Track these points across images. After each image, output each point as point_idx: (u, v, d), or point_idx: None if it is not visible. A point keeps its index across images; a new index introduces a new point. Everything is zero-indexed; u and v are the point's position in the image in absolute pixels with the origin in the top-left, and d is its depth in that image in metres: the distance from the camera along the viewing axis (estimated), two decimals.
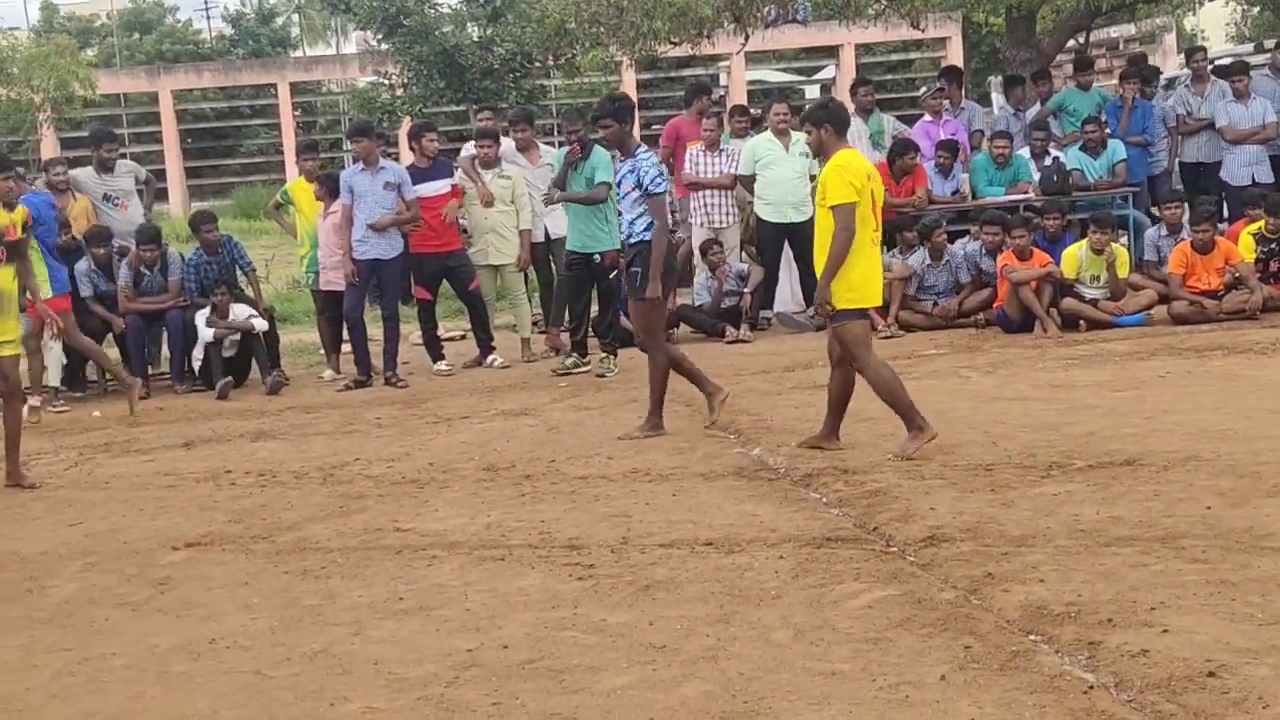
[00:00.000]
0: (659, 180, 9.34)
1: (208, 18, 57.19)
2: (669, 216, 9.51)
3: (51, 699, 5.39)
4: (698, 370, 9.56)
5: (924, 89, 20.55)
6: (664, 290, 9.60)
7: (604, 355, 11.92)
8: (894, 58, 39.96)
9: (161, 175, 33.40)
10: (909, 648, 5.19)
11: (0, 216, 9.06)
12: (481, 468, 8.73)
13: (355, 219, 11.99)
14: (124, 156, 16.47)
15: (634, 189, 9.36)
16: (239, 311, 12.45)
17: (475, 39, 23.87)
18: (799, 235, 13.51)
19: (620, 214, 9.65)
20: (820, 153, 8.35)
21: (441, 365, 12.58)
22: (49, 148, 32.67)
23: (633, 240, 9.46)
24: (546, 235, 13.26)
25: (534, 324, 13.63)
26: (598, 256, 11.67)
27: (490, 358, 12.71)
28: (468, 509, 7.77)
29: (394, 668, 5.34)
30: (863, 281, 8.21)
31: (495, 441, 9.44)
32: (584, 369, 11.92)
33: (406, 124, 19.53)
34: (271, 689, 5.27)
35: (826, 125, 8.26)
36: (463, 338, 14.06)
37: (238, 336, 12.44)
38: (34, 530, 7.99)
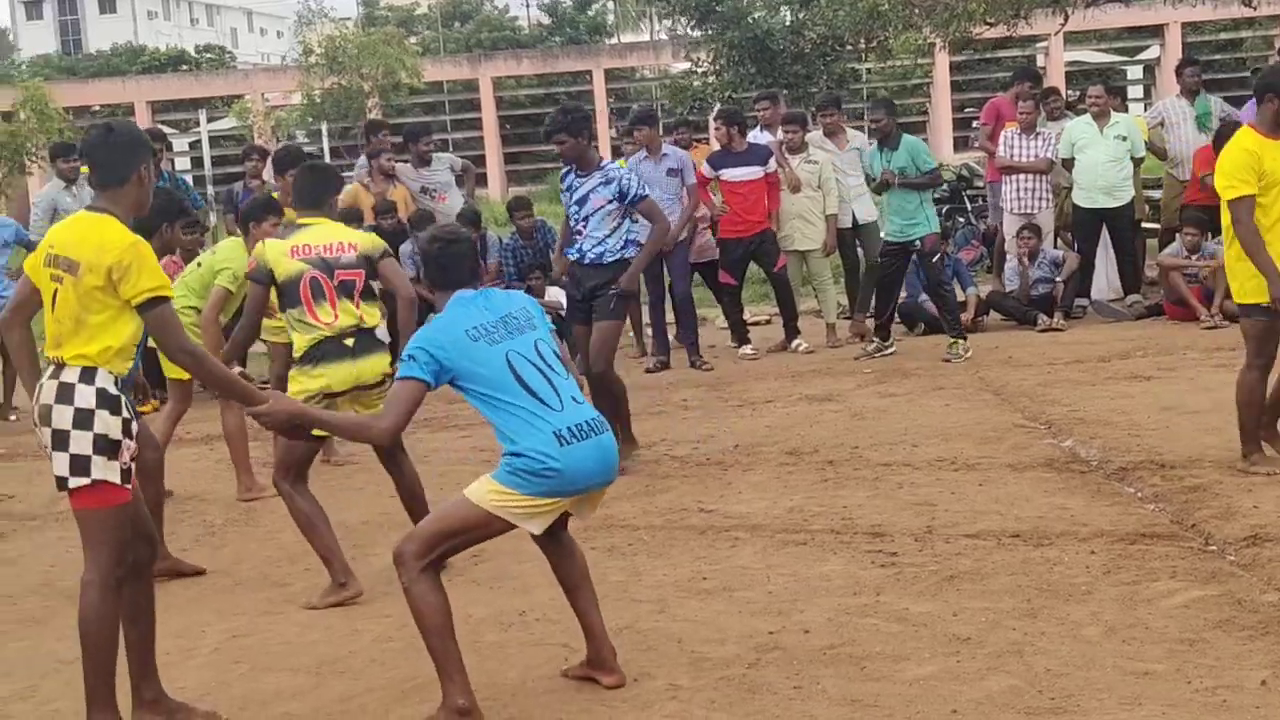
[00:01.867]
0: (642, 184, 8.68)
1: (526, 5, 58.65)
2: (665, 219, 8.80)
3: (371, 663, 5.65)
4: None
5: (1255, 69, 19.61)
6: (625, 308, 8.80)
7: (954, 340, 11.74)
8: (1223, 36, 38.29)
9: (480, 161, 34.44)
10: (1227, 650, 5.00)
11: None
12: (785, 451, 8.75)
13: None
14: (442, 148, 17.03)
15: (608, 203, 8.49)
16: (553, 295, 12.76)
17: (787, 24, 23.84)
18: (1116, 221, 13.12)
19: (581, 234, 8.65)
20: None
21: (747, 349, 12.64)
22: None
23: (606, 261, 8.54)
24: (854, 220, 13.16)
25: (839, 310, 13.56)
26: (918, 242, 11.63)
27: (795, 342, 12.71)
28: (771, 492, 7.80)
29: (697, 646, 5.41)
30: None
31: (799, 426, 9.45)
32: (888, 353, 11.81)
33: (716, 110, 19.67)
34: (578, 662, 5.40)
35: None
36: (768, 322, 14.10)
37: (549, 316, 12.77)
38: (357, 501, 8.36)
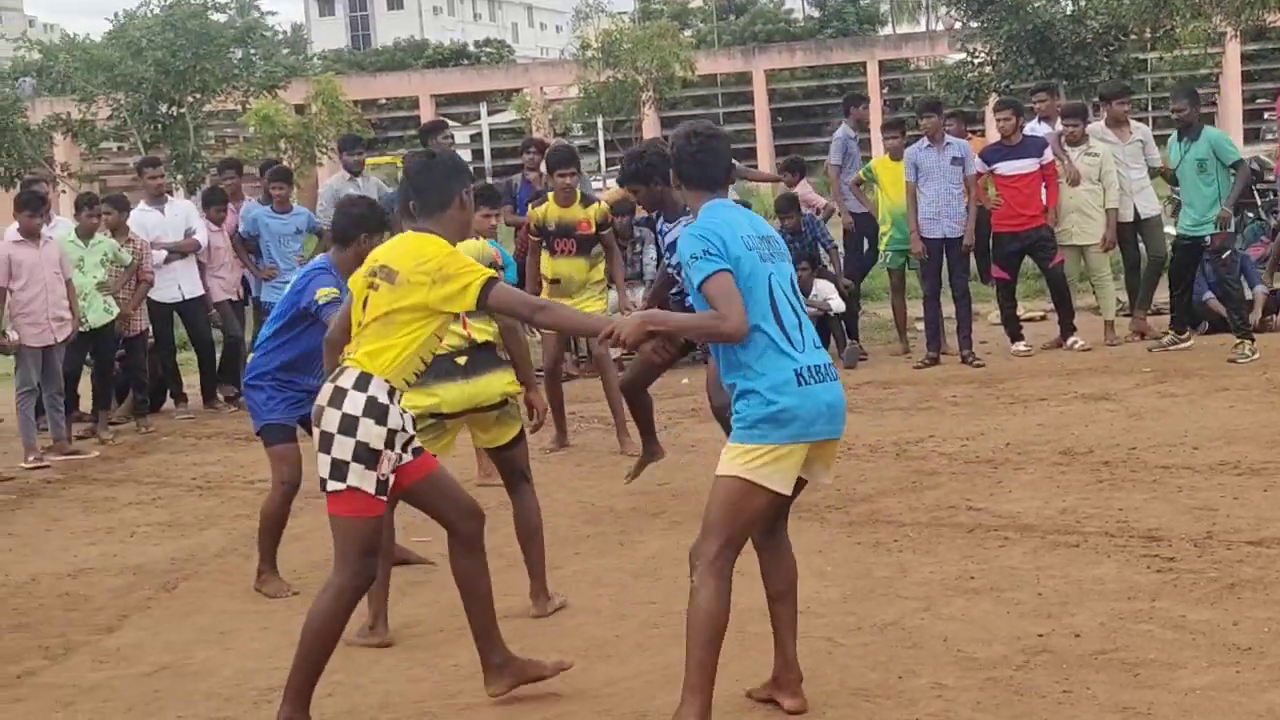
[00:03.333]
0: None
1: None
2: None
3: (637, 648, 5.74)
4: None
5: None
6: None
7: (1239, 340, 11.24)
8: None
9: (752, 154, 34.54)
10: None
11: (575, 211, 9.68)
12: (1058, 451, 8.57)
13: (921, 197, 12.01)
14: None
15: None
16: (821, 288, 12.74)
17: (1068, 13, 23.26)
18: None
19: (679, 280, 7.73)
20: None
21: (1020, 345, 12.41)
22: (649, 127, 34.43)
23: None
24: (1136, 214, 12.78)
25: (1119, 307, 13.19)
26: (1208, 238, 11.25)
27: (1071, 339, 12.41)
28: (1042, 492, 7.66)
29: (963, 646, 5.36)
30: None
31: (1073, 425, 9.24)
32: (1183, 345, 11.43)
33: (993, 101, 19.35)
34: (842, 656, 5.42)
35: None
36: (1043, 318, 13.80)
37: (814, 311, 12.76)
38: (625, 488, 8.48)
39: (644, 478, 8.38)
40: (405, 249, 4.96)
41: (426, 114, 38.52)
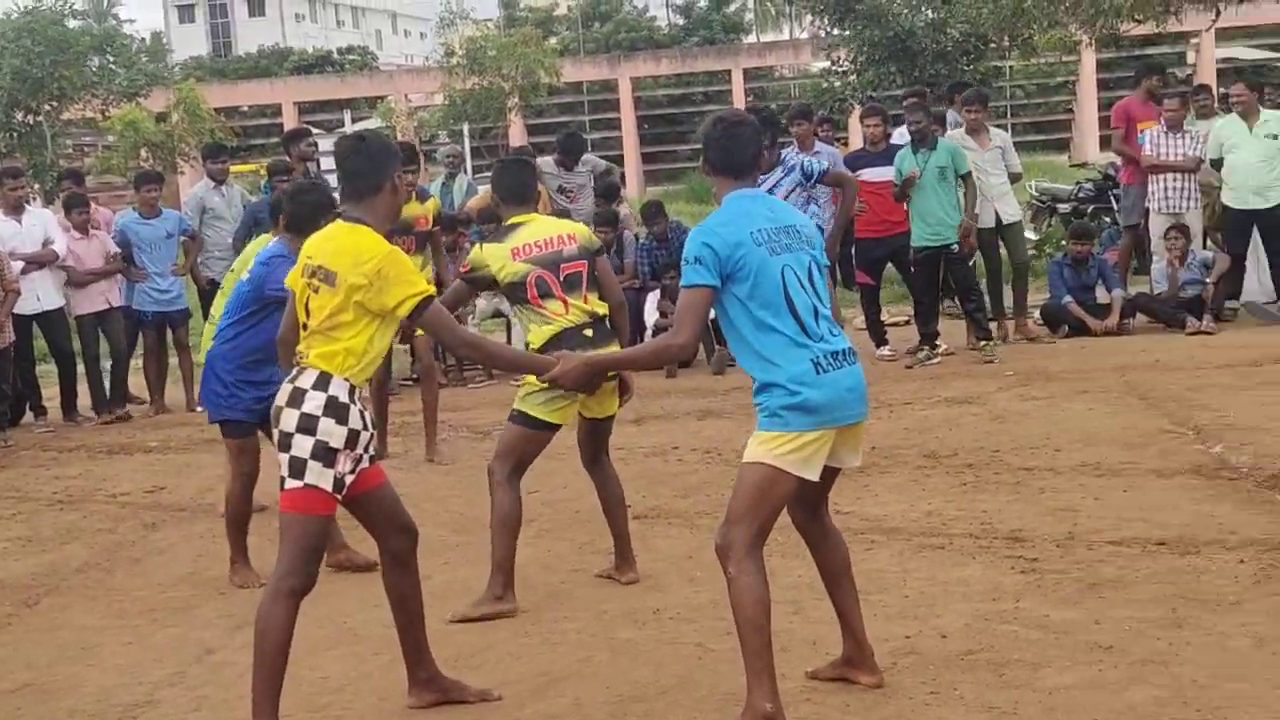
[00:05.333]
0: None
1: (668, 6, 58.81)
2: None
3: (509, 656, 5.69)
4: None
5: None
6: None
7: (985, 343, 11.91)
8: None
9: (619, 161, 34.56)
10: None
11: (413, 207, 9.62)
12: (923, 454, 8.65)
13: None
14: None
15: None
16: None
17: (928, 21, 23.58)
18: (1268, 222, 12.75)
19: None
20: None
21: (884, 350, 12.53)
22: (516, 134, 34.32)
23: None
24: (997, 220, 12.95)
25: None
26: (954, 246, 11.81)
27: (935, 344, 12.55)
28: (908, 495, 7.72)
29: (830, 649, 5.36)
30: None
31: (938, 429, 9.34)
32: (935, 361, 11.86)
33: (858, 110, 19.57)
34: (713, 661, 5.41)
35: None
36: (906, 323, 13.95)
37: None
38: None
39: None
40: (340, 246, 4.84)
41: (290, 122, 38.07)
